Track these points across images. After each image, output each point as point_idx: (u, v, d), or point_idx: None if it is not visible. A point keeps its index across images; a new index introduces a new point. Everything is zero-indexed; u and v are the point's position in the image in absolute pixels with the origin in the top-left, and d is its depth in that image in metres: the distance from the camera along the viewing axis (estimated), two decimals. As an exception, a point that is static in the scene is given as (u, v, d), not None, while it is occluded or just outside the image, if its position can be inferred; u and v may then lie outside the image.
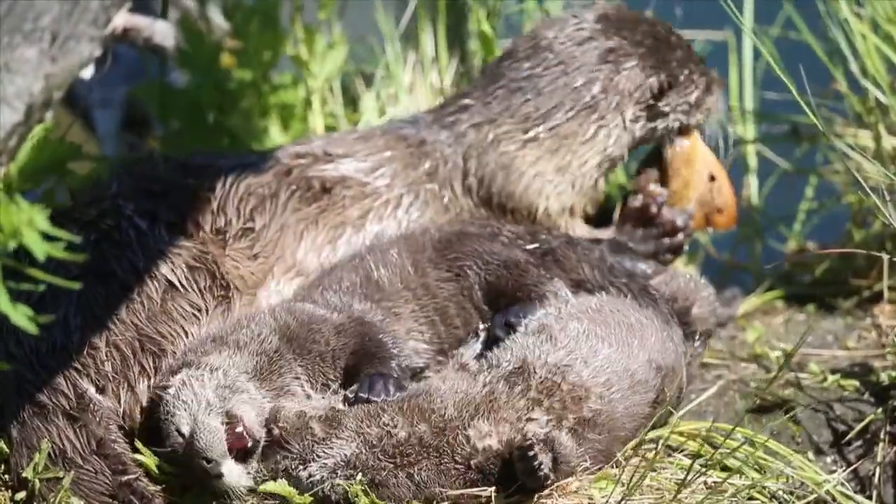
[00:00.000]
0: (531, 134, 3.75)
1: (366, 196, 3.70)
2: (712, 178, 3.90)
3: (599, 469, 3.27)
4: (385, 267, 3.52)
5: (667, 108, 3.81)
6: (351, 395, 3.28)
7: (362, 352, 3.36)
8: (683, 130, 3.87)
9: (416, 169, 3.74)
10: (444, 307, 3.51)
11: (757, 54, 4.62)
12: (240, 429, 3.15)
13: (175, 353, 3.35)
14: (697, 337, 3.63)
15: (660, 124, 3.82)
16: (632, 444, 3.33)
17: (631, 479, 3.21)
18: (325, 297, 3.46)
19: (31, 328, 2.65)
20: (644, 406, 3.32)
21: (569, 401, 3.21)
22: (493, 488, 3.13)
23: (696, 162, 3.90)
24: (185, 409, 3.16)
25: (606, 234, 3.84)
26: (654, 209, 3.84)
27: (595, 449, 3.24)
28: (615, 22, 3.80)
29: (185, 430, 3.15)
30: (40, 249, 2.65)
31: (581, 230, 3.82)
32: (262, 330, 3.34)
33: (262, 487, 3.17)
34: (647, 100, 3.78)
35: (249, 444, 3.16)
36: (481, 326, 3.48)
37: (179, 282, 3.41)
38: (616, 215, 3.91)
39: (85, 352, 3.31)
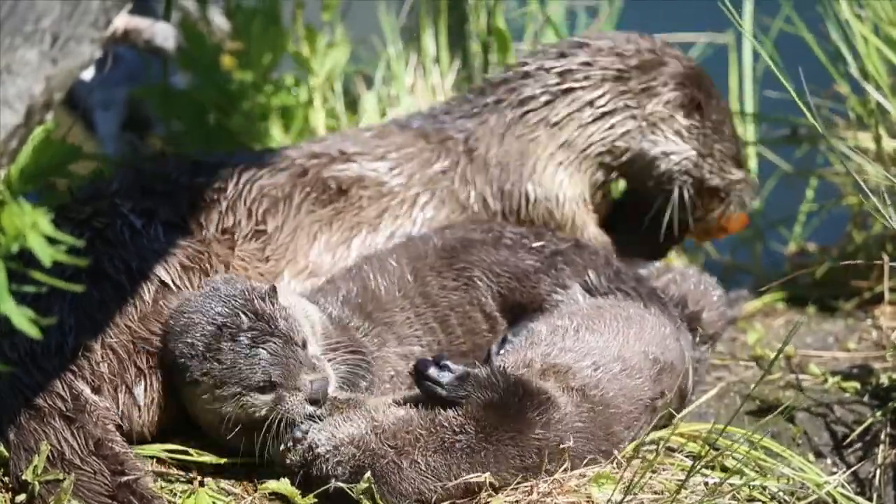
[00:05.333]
0: (543, 103, 3.74)
1: (383, 195, 3.69)
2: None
3: (606, 457, 3.30)
4: (383, 276, 3.50)
5: (647, 102, 3.76)
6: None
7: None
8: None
9: (433, 166, 3.72)
10: (444, 316, 3.51)
11: (757, 56, 4.62)
12: None
13: None
14: (706, 341, 3.63)
15: (646, 127, 3.76)
16: (632, 445, 3.33)
17: (631, 478, 3.21)
18: (322, 307, 3.44)
19: (33, 332, 2.64)
20: (642, 391, 3.34)
21: (550, 373, 3.26)
22: (489, 473, 3.15)
23: None
24: None
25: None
26: None
27: (595, 421, 3.26)
28: None
29: None
30: (45, 254, 2.63)
31: (593, 229, 3.80)
32: None
33: (262, 486, 3.17)
34: (627, 74, 3.76)
35: None
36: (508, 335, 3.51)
37: (172, 281, 3.37)
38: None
39: (80, 353, 3.28)
